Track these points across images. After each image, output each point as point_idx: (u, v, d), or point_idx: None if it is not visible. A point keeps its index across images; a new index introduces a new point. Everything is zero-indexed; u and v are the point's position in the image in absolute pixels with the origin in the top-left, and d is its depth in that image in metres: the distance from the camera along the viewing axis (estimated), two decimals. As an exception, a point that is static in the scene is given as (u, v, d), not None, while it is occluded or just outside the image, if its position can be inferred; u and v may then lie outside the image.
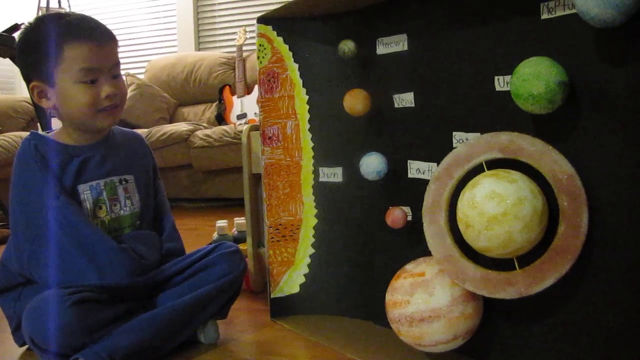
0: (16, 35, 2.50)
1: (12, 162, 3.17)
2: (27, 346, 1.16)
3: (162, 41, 4.72)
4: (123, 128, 1.32)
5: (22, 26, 2.48)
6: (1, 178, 2.90)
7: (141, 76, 4.20)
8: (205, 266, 1.18)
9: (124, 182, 1.23)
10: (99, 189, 1.19)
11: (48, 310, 1.01)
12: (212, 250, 1.21)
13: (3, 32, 2.49)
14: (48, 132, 1.22)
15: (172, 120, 4.01)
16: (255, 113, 3.61)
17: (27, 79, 1.16)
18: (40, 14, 4.61)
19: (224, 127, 3.34)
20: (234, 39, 4.07)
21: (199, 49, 4.61)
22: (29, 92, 1.16)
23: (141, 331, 1.06)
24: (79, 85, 1.12)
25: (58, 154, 1.16)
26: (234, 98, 3.77)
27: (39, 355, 1.05)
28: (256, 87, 3.69)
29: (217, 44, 4.60)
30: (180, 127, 3.38)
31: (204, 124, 3.60)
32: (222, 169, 3.29)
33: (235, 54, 3.91)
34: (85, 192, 1.17)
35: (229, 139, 3.19)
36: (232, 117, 3.71)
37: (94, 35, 1.13)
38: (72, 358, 1.01)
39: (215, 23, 4.61)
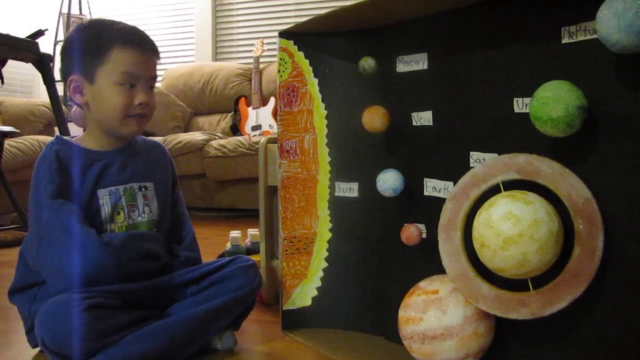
0: (39, 40, 2.54)
1: (29, 165, 3.22)
2: (40, 348, 1.18)
3: (179, 50, 4.78)
4: (145, 137, 1.34)
5: (46, 32, 2.53)
6: (20, 180, 2.93)
7: (158, 84, 4.25)
8: (221, 279, 1.19)
9: (143, 189, 1.25)
10: (118, 195, 1.20)
11: (61, 314, 1.02)
12: (228, 263, 1.22)
13: (26, 37, 2.53)
14: (72, 137, 1.25)
15: (187, 129, 4.05)
16: (269, 125, 3.64)
17: (66, 74, 1.19)
18: (61, 20, 4.68)
19: (239, 137, 3.36)
20: (251, 51, 4.11)
21: (216, 60, 4.66)
22: (65, 86, 1.20)
23: (155, 339, 1.06)
24: (118, 87, 1.16)
25: (79, 158, 1.18)
26: (249, 109, 3.81)
27: (50, 358, 1.05)
28: (271, 99, 3.72)
29: (234, 55, 4.64)
30: (195, 136, 3.41)
31: (219, 134, 3.62)
32: (236, 179, 3.31)
33: (252, 66, 3.95)
34: (105, 196, 1.19)
35: (244, 150, 3.21)
36: (247, 128, 3.74)
37: (143, 45, 1.19)
38: (86, 363, 1.01)
39: (233, 34, 4.65)
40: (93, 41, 1.16)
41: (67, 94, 1.21)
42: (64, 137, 1.23)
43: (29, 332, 1.19)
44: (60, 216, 1.11)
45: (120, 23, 1.21)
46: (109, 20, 1.22)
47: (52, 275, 1.12)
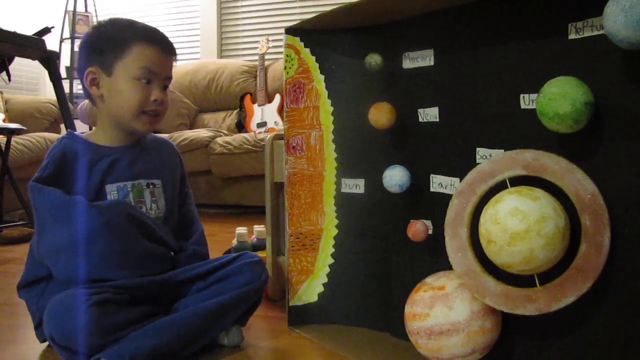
0: (45, 38, 2.55)
1: (36, 162, 3.23)
2: (48, 343, 1.18)
3: (185, 48, 4.78)
4: (155, 134, 1.35)
5: (52, 29, 2.54)
6: (26, 177, 2.94)
7: (163, 82, 4.25)
8: (227, 274, 1.19)
9: (151, 186, 1.26)
10: (126, 191, 1.22)
11: (68, 309, 1.02)
12: (234, 259, 1.22)
13: (33, 34, 2.54)
14: (82, 133, 1.26)
15: (192, 126, 4.05)
16: (275, 122, 3.64)
17: (84, 66, 1.21)
18: (67, 17, 4.70)
19: (244, 134, 3.37)
20: (256, 48, 4.11)
21: (221, 57, 4.66)
22: (83, 79, 1.21)
23: (162, 334, 1.07)
24: (135, 82, 1.18)
25: (88, 152, 1.20)
26: (255, 106, 3.81)
27: (58, 353, 1.05)
28: (277, 95, 3.73)
29: (240, 52, 4.64)
30: (201, 133, 3.41)
31: (224, 131, 3.63)
32: (241, 176, 3.32)
33: (257, 63, 3.95)
34: (113, 192, 1.20)
35: (249, 147, 3.21)
36: (252, 125, 3.74)
37: (163, 44, 1.22)
38: (94, 358, 1.01)
39: (238, 31, 4.66)
40: (115, 35, 1.19)
41: (83, 86, 1.22)
42: (74, 133, 1.25)
43: (37, 327, 1.19)
44: (44, 196, 1.13)
45: (141, 22, 1.23)
46: (130, 19, 1.24)
47: (54, 258, 1.13)
